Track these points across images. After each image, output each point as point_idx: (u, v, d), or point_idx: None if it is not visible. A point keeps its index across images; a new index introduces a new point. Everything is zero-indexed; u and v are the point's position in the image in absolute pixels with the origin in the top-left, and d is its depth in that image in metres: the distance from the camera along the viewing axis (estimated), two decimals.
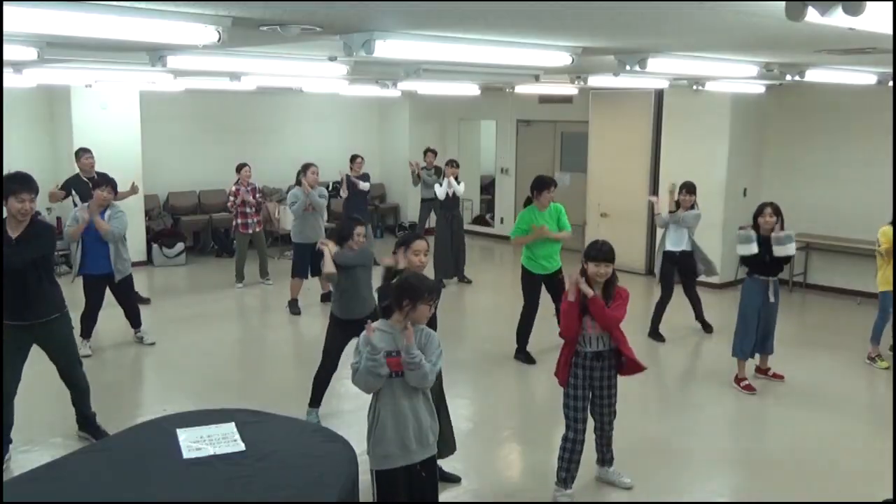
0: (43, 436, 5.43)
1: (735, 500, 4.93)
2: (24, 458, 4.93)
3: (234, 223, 10.03)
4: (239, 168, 9.96)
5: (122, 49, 5.06)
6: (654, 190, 10.61)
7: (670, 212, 7.85)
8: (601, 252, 4.40)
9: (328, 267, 5.40)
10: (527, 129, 13.30)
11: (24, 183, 4.71)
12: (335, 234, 5.68)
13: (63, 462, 3.51)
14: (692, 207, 7.76)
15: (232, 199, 9.89)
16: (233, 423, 3.74)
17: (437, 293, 3.67)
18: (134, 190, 8.63)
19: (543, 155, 13.02)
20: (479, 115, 13.94)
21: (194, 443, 3.54)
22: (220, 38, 3.33)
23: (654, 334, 7.94)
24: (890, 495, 4.44)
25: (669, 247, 7.83)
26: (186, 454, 3.45)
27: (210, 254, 12.10)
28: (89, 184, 7.77)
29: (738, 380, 6.57)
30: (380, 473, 3.60)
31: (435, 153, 11.53)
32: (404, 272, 4.12)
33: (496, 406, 6.46)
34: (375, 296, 5.02)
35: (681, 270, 7.91)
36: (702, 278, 8.09)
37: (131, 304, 7.53)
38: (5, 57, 4.64)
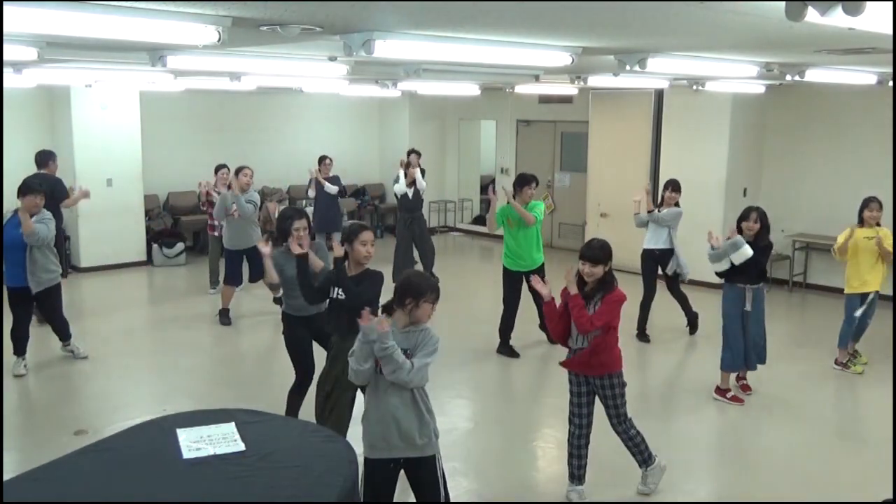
0: (43, 436, 5.43)
1: (734, 499, 4.93)
2: (24, 458, 4.93)
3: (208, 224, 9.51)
4: (216, 170, 9.33)
5: (122, 49, 5.06)
6: (655, 190, 10.59)
7: (649, 211, 7.78)
8: (589, 250, 4.37)
9: (269, 277, 5.19)
10: (527, 129, 13.30)
11: None
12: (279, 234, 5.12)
13: (63, 462, 3.50)
14: (676, 205, 7.73)
15: (203, 198, 9.41)
16: (233, 423, 3.73)
17: (437, 292, 3.67)
18: (84, 194, 8.12)
19: (543, 155, 13.02)
20: (479, 115, 13.94)
21: (194, 443, 3.54)
22: (220, 38, 3.32)
23: (641, 335, 7.83)
24: (890, 495, 4.44)
25: (648, 244, 7.80)
26: (186, 454, 3.45)
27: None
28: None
29: (720, 391, 6.21)
30: (366, 461, 3.71)
31: (419, 154, 10.29)
32: (406, 271, 4.11)
33: (492, 403, 6.47)
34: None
35: (664, 269, 7.79)
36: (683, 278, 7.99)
37: (57, 317, 6.88)
38: (5, 57, 4.64)
